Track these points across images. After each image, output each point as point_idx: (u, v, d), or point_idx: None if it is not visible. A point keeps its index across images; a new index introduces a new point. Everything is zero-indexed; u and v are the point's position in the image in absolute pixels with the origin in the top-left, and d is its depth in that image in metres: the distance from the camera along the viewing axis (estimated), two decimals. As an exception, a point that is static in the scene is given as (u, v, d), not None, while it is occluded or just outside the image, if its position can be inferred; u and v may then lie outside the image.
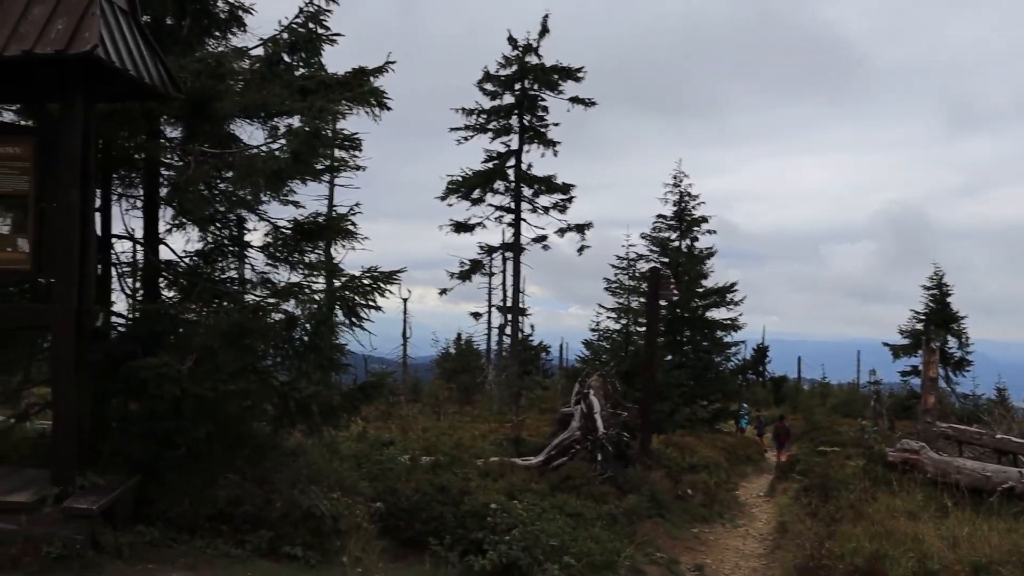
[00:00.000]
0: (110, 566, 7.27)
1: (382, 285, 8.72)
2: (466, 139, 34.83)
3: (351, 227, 10.14)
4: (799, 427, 34.50)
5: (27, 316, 8.03)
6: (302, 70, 10.00)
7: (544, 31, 34.05)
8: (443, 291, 35.83)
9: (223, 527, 8.08)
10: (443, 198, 34.43)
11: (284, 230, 10.04)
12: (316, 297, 8.54)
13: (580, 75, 33.69)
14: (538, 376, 40.88)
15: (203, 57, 9.01)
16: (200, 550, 7.86)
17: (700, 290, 34.10)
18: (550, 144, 34.11)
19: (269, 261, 10.05)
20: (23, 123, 9.25)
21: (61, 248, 7.30)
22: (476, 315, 37.44)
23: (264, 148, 8.81)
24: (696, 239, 35.20)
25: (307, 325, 8.61)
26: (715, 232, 35.61)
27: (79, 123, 7.38)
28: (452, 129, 34.75)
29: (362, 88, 10.05)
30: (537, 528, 9.35)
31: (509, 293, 34.94)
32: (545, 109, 34.32)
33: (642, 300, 29.70)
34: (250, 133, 10.02)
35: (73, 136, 7.33)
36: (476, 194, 34.47)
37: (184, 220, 10.07)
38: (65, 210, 7.30)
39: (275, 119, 9.82)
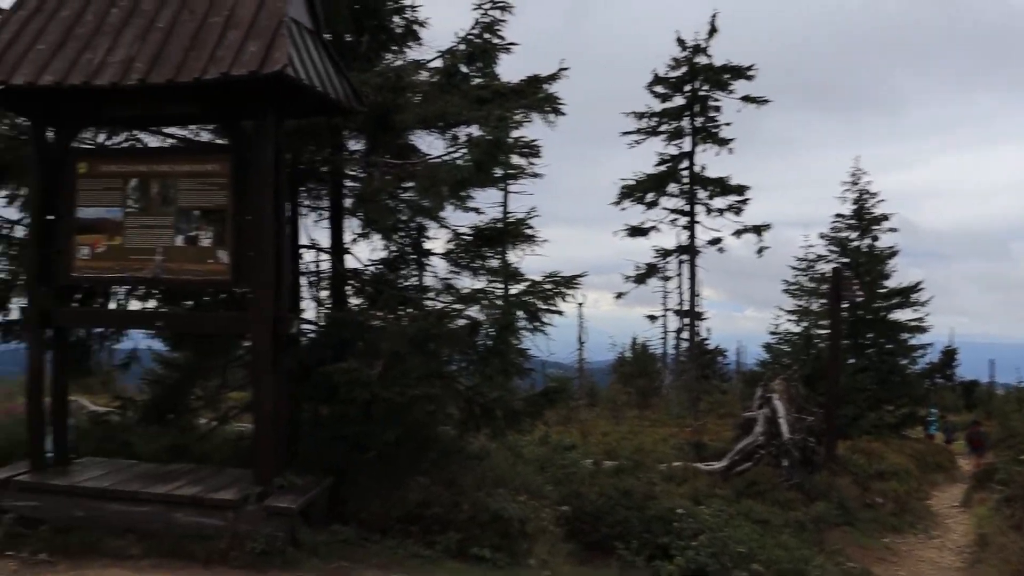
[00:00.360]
0: (308, 563, 7.54)
1: (564, 289, 8.78)
2: (638, 142, 34.47)
3: (529, 232, 10.23)
4: (994, 434, 32.68)
5: (229, 324, 8.48)
6: (477, 80, 10.18)
7: (713, 30, 33.35)
8: (619, 295, 35.51)
9: (413, 528, 8.25)
10: (617, 203, 34.23)
11: (464, 236, 10.23)
12: (499, 302, 8.65)
13: (751, 73, 32.87)
14: (715, 380, 40.19)
15: (384, 71, 9.28)
16: (391, 550, 8.06)
17: (883, 291, 32.75)
18: (723, 143, 33.43)
19: (452, 267, 10.28)
20: (218, 141, 9.79)
21: (258, 259, 7.65)
22: (652, 318, 36.95)
23: (446, 158, 9.00)
24: (876, 238, 33.83)
25: (490, 330, 8.73)
26: (896, 230, 34.12)
27: (271, 139, 7.73)
28: (624, 133, 34.51)
29: (537, 95, 10.13)
30: (724, 534, 9.20)
31: (685, 296, 34.40)
32: (717, 109, 33.55)
33: (823, 302, 28.79)
34: (429, 143, 10.28)
35: (266, 152, 7.68)
36: (650, 197, 34.06)
37: (369, 230, 10.40)
38: (260, 223, 7.65)
39: (453, 129, 10.04)
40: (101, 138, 9.86)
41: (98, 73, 7.47)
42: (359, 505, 8.46)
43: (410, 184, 9.42)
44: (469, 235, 10.25)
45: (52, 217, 8.29)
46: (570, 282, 8.82)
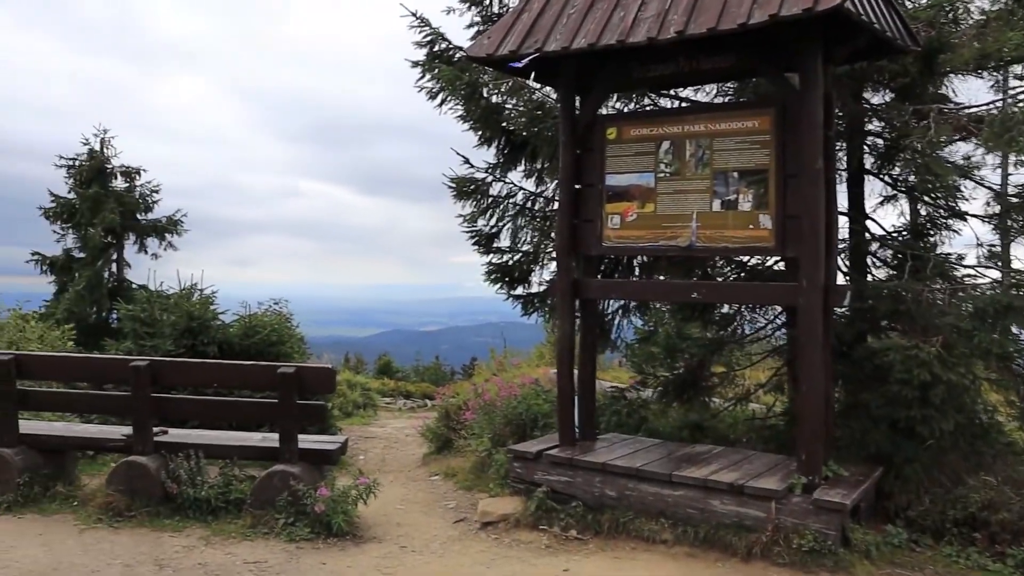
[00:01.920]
0: (860, 566, 6.66)
1: None
2: None
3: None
4: None
5: (772, 295, 7.70)
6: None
7: None
8: None
9: (975, 534, 7.08)
10: None
11: (1010, 198, 8.76)
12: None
13: None
14: None
15: (938, 2, 8.06)
16: (949, 558, 6.96)
17: None
18: None
19: (996, 231, 8.85)
20: (740, 99, 9.12)
21: (805, 222, 6.83)
22: None
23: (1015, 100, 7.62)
24: None
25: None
26: None
27: (819, 87, 6.86)
28: None
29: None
30: None
31: None
32: None
33: None
34: (962, 88, 8.89)
35: (814, 102, 6.83)
36: None
37: (897, 191, 9.29)
38: (809, 182, 6.82)
39: (1001, 69, 8.56)
40: (618, 106, 9.62)
41: (631, 31, 7.04)
42: (906, 501, 7.44)
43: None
44: (1015, 195, 8.75)
45: (580, 186, 8.08)
46: None
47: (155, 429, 8.27)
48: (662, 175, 7.63)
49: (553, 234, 9.41)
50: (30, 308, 20.15)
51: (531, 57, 7.32)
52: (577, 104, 8.14)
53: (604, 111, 8.63)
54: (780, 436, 8.91)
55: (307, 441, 8.13)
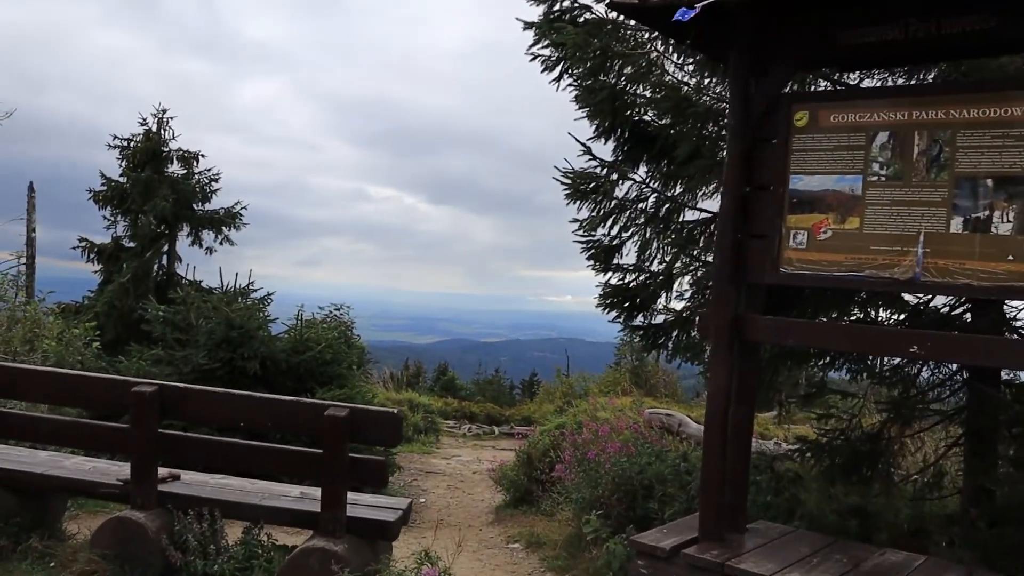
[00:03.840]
0: None
1: None
2: None
3: None
4: None
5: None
6: None
7: None
8: None
9: None
10: None
11: None
12: None
13: None
14: None
15: None
16: None
17: None
18: None
19: None
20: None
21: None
22: None
23: None
24: None
25: None
26: None
27: None
28: None
29: None
30: None
31: None
32: None
33: None
34: None
35: None
36: None
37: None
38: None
39: None
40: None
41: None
42: None
43: None
44: None
45: (750, 189, 5.95)
46: None
47: (162, 473, 6.34)
48: (875, 179, 5.45)
49: (708, 254, 7.34)
50: (70, 298, 18.54)
51: (705, 3, 5.22)
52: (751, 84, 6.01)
53: (788, 90, 6.44)
54: (979, 535, 6.68)
55: (359, 506, 6.16)
